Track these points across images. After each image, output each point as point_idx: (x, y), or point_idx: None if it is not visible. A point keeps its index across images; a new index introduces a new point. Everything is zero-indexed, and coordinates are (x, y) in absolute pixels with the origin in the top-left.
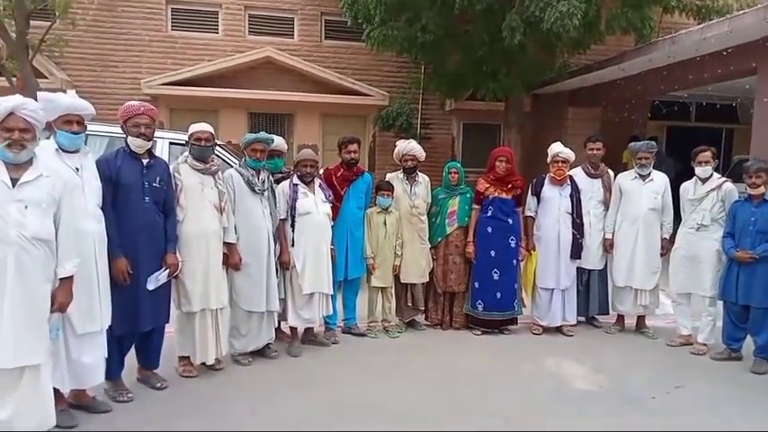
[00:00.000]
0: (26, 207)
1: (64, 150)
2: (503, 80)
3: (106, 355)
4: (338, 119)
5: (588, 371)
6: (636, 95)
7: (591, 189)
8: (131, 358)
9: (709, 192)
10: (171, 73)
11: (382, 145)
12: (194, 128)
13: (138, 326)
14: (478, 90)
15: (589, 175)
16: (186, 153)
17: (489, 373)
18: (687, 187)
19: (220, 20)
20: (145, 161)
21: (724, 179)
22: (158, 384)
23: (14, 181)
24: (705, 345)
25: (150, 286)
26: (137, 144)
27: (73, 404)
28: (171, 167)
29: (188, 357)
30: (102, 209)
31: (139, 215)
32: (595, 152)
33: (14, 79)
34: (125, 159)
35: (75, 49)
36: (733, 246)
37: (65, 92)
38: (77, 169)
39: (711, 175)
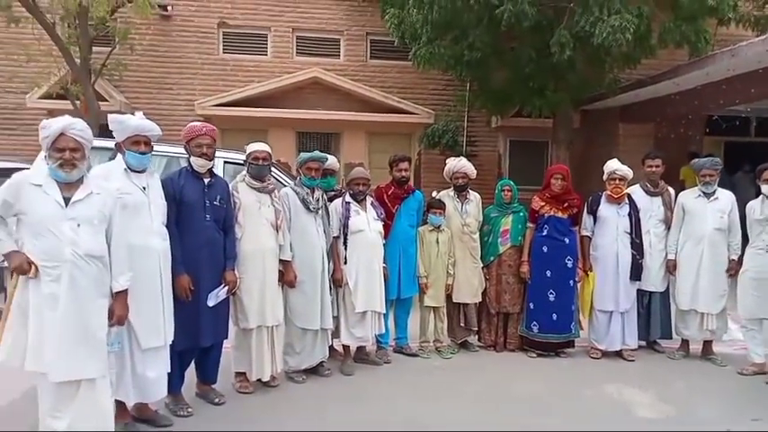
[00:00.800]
0: (78, 225)
1: (132, 170)
2: (550, 96)
3: (169, 370)
4: (384, 137)
5: (653, 399)
6: (692, 110)
7: (650, 207)
8: (190, 373)
9: None
10: (223, 94)
11: (428, 163)
12: (252, 147)
13: (198, 341)
14: (525, 107)
15: (648, 193)
16: (244, 172)
17: (546, 397)
18: (753, 206)
19: (269, 42)
20: (206, 180)
21: None
22: (216, 399)
23: (66, 200)
24: None
25: (211, 303)
26: (199, 164)
27: (136, 417)
28: (230, 186)
29: (244, 373)
30: (167, 227)
31: (201, 233)
32: (654, 169)
33: (78, 102)
34: (188, 179)
35: (133, 73)
36: None
37: (133, 113)
38: (144, 188)
39: None
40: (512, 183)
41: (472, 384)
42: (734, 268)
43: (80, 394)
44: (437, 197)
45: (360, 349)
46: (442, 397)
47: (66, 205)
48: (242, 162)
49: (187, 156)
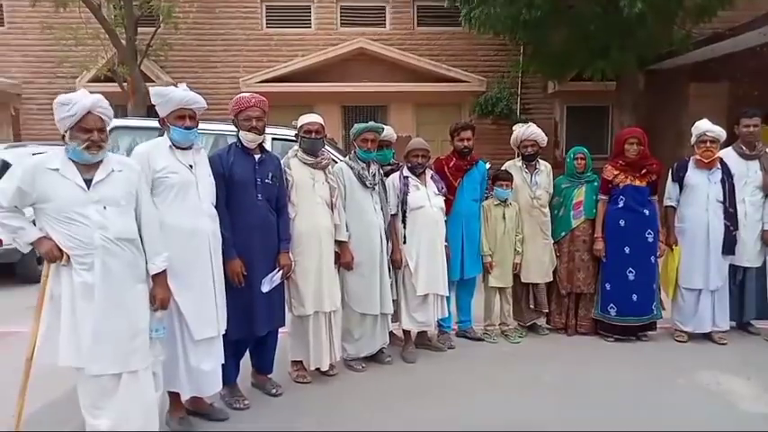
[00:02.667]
0: (105, 207)
1: (177, 147)
2: (614, 56)
3: (223, 361)
4: (432, 108)
5: (757, 390)
6: None
7: (746, 173)
8: (245, 363)
9: None
10: (267, 70)
11: (479, 133)
12: (304, 119)
13: (254, 330)
14: (585, 70)
15: (743, 156)
16: (296, 147)
17: (633, 388)
18: None
19: (313, 14)
20: (257, 156)
21: None
22: (274, 390)
23: (87, 182)
24: None
25: (265, 288)
26: (248, 138)
27: (190, 411)
28: (281, 162)
29: (301, 362)
30: (215, 207)
31: (253, 213)
32: (752, 129)
33: (125, 84)
34: (237, 155)
35: (178, 53)
36: None
37: (176, 85)
38: (191, 166)
39: None
40: (585, 150)
41: (547, 373)
42: None
43: (121, 388)
44: (504, 168)
45: (421, 334)
46: (517, 387)
47: (89, 188)
48: (289, 138)
49: (236, 131)
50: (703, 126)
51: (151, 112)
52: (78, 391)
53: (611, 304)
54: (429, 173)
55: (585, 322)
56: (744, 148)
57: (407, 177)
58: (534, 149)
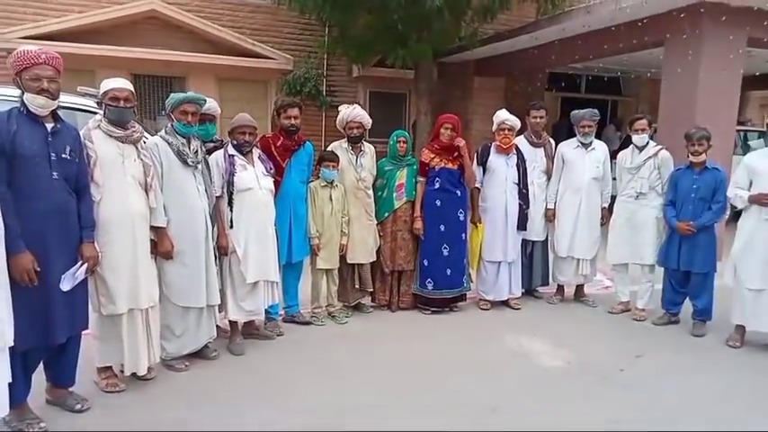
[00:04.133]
0: None
1: None
2: (413, 46)
3: (10, 379)
4: (237, 83)
5: (549, 346)
6: (546, 65)
7: (534, 159)
8: (38, 376)
9: (646, 160)
10: (31, 25)
11: None
12: (109, 84)
13: (50, 337)
14: (387, 56)
15: (532, 144)
16: (98, 116)
17: (455, 356)
18: (624, 156)
19: None
20: (49, 126)
21: (660, 147)
22: (78, 406)
23: None
24: (644, 310)
25: (65, 286)
26: (38, 103)
27: None
28: (81, 134)
29: (110, 368)
30: None
31: (47, 195)
32: (539, 120)
33: None
34: (22, 123)
35: None
36: (674, 215)
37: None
38: None
39: (648, 143)
40: (407, 134)
41: (377, 352)
42: (606, 216)
43: None
44: (330, 149)
45: (248, 323)
46: (351, 370)
47: None
48: (73, 107)
49: (19, 94)
50: (502, 115)
51: None
52: None
53: (429, 279)
54: (256, 152)
55: (407, 298)
56: (532, 136)
57: (233, 156)
58: (360, 131)
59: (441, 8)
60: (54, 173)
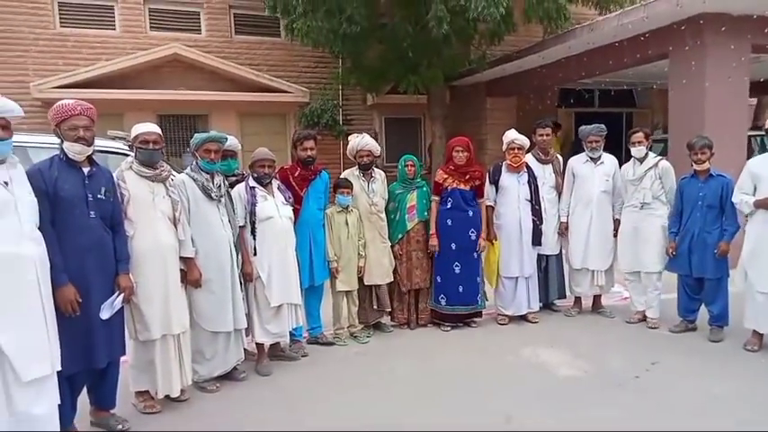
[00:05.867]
0: None
1: None
2: (424, 72)
3: (59, 401)
4: (257, 118)
5: (567, 357)
6: (554, 83)
7: (543, 175)
8: (81, 400)
9: (647, 171)
10: (64, 75)
11: None
12: (139, 129)
13: (92, 362)
14: (400, 83)
15: (540, 161)
16: (130, 159)
17: (473, 369)
18: (627, 168)
19: (117, 15)
20: (86, 170)
21: (660, 157)
22: (119, 426)
23: None
24: (655, 318)
25: (104, 315)
26: (75, 150)
27: None
28: (114, 176)
29: (147, 391)
30: (40, 229)
31: (85, 233)
32: (545, 137)
33: None
34: (62, 169)
35: None
36: (675, 232)
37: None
38: (6, 183)
39: (647, 154)
40: (414, 157)
41: (398, 367)
42: (617, 228)
43: None
44: (343, 176)
45: (273, 346)
46: (374, 386)
47: None
48: (108, 150)
49: (59, 142)
50: (511, 135)
51: None
52: None
53: (442, 294)
54: (275, 183)
55: (425, 315)
56: (540, 153)
57: (254, 188)
58: (370, 159)
59: (448, 35)
60: (91, 212)
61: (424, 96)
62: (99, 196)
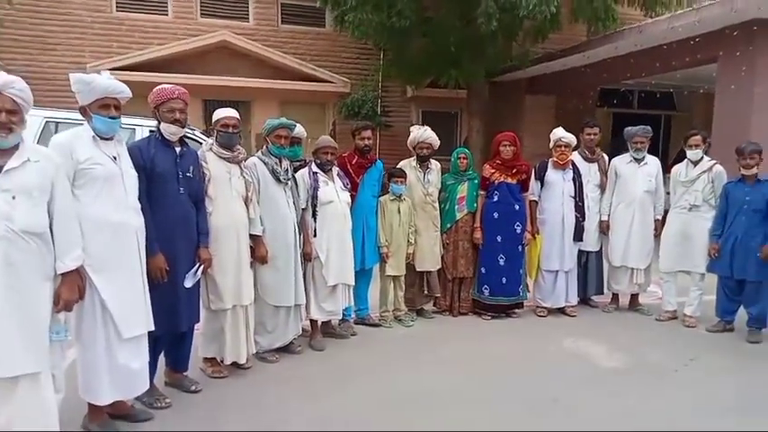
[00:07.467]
0: (14, 197)
1: (100, 137)
2: (466, 67)
3: (149, 359)
4: (297, 106)
5: (607, 349)
6: (597, 83)
7: (588, 173)
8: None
9: (700, 174)
10: (118, 57)
11: (343, 134)
12: (220, 113)
13: (176, 326)
14: (441, 77)
15: (586, 159)
16: (210, 140)
17: (517, 356)
18: (679, 170)
19: (170, 1)
20: (178, 149)
21: (714, 161)
22: (192, 387)
23: None
24: (693, 317)
25: (188, 283)
26: (171, 131)
27: (112, 414)
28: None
29: (214, 358)
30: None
31: (176, 207)
32: (592, 137)
33: None
34: (158, 147)
35: (8, 30)
36: (719, 234)
37: (99, 73)
38: (115, 158)
39: (702, 157)
40: (467, 150)
41: (443, 350)
42: (658, 228)
43: (18, 392)
44: (398, 166)
45: (325, 323)
46: (425, 364)
47: None
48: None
49: (155, 123)
50: (559, 133)
51: None
52: None
53: (485, 285)
54: (335, 170)
55: (467, 304)
56: (586, 152)
57: (316, 173)
58: (429, 151)
59: (495, 31)
60: (181, 188)
61: (462, 91)
62: (188, 174)
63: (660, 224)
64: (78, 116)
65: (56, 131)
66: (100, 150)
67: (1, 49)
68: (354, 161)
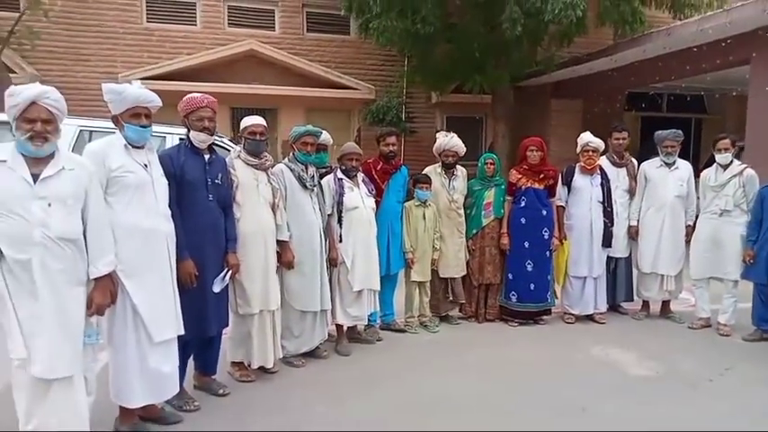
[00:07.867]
0: (50, 204)
1: (132, 146)
2: (491, 73)
3: (178, 363)
4: (323, 113)
5: (637, 357)
6: (625, 87)
7: (617, 178)
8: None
9: (730, 178)
10: (149, 67)
11: (367, 140)
12: (248, 121)
13: (205, 331)
14: (465, 83)
15: (614, 164)
16: (238, 148)
17: (544, 363)
18: (708, 174)
19: (198, 11)
20: (207, 157)
21: (744, 165)
22: (221, 391)
23: (35, 177)
24: (726, 325)
25: (216, 288)
26: (200, 139)
27: (142, 417)
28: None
29: (242, 362)
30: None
31: (204, 214)
32: (621, 141)
33: None
34: (188, 155)
35: (43, 42)
36: (754, 240)
37: (130, 83)
38: (146, 165)
39: (732, 161)
40: (494, 156)
41: (469, 356)
42: (689, 234)
43: (52, 394)
44: (423, 172)
45: (351, 328)
46: (450, 371)
47: (35, 183)
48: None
49: (185, 131)
50: (586, 138)
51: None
52: (15, 394)
53: (513, 292)
54: (360, 176)
55: (493, 310)
56: (615, 157)
57: (342, 179)
58: (454, 159)
59: (519, 36)
60: (210, 195)
61: (487, 96)
62: (216, 181)
63: (692, 230)
64: (111, 125)
65: (89, 140)
66: (132, 158)
67: (37, 60)
68: (379, 167)
